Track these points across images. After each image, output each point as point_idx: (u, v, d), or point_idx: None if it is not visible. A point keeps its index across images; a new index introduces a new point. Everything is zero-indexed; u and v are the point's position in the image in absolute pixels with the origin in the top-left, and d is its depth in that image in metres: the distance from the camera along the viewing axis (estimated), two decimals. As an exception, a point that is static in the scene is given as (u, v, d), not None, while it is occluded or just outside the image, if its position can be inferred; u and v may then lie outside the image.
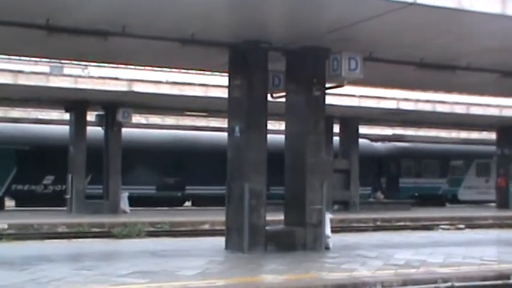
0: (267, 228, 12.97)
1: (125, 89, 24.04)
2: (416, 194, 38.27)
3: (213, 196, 30.17)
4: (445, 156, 40.33)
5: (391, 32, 11.82)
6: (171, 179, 32.49)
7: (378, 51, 13.11)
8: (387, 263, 11.42)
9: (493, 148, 36.97)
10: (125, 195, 27.91)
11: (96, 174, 28.15)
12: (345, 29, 11.36)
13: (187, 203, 34.50)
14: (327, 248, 13.22)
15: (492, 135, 37.05)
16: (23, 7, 10.72)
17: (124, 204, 27.65)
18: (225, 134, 34.37)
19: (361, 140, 35.84)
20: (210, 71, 18.44)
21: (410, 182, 38.97)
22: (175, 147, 32.39)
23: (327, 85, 13.43)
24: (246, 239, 12.55)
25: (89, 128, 27.73)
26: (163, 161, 31.96)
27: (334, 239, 13.77)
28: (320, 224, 13.13)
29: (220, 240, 13.61)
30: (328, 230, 13.38)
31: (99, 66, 24.76)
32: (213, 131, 34.20)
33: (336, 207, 29.50)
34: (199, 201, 32.71)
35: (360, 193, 32.46)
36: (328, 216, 13.54)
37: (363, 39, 12.18)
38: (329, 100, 14.19)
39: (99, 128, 28.21)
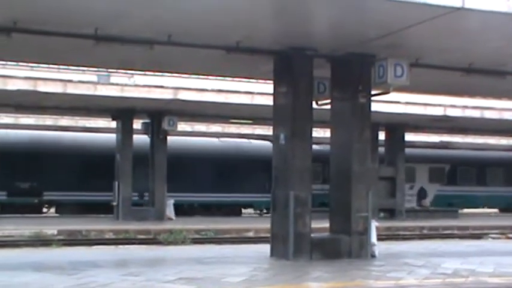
0: (312, 235, 12.91)
1: (170, 97, 24.28)
2: None
3: (79, 203, 29.30)
4: None
5: (438, 38, 11.66)
6: (25, 184, 29.55)
7: (424, 57, 12.95)
8: (435, 272, 11.24)
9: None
10: (170, 203, 28.13)
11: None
12: (391, 35, 11.26)
13: (52, 210, 31.69)
14: (373, 256, 13.09)
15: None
16: (72, 17, 10.91)
17: (170, 212, 27.86)
18: (95, 134, 32.48)
19: (262, 142, 34.57)
20: (255, 78, 18.50)
21: None
22: (30, 148, 29.66)
23: (373, 92, 13.32)
24: (291, 246, 12.52)
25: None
26: (16, 164, 29.11)
27: (380, 247, 13.63)
28: (366, 231, 13.02)
29: (265, 248, 13.60)
30: (374, 238, 13.25)
31: (145, 74, 25.13)
32: (259, 138, 34.26)
33: (381, 214, 29.22)
34: (63, 209, 30.38)
35: (255, 200, 31.95)
36: (374, 224, 13.42)
37: (409, 46, 12.05)
38: (375, 107, 14.06)
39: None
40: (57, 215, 30.37)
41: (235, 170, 32.16)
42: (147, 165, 28.29)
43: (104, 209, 29.38)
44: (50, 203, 30.98)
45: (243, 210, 33.88)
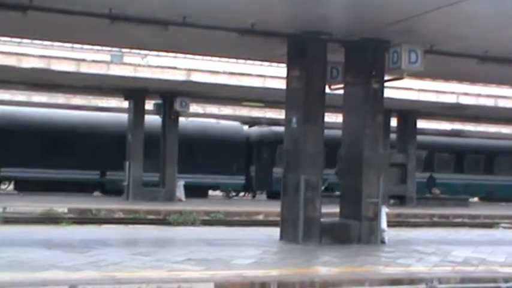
0: (322, 220, 12.92)
1: (183, 78, 24.24)
2: None
3: (39, 180, 28.63)
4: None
5: (454, 25, 11.57)
6: None
7: (439, 44, 12.86)
8: (444, 259, 11.23)
9: None
10: (180, 184, 28.20)
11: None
12: (406, 21, 11.19)
13: (10, 187, 30.64)
14: (383, 242, 13.10)
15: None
16: (87, -4, 10.93)
17: (180, 193, 27.94)
18: (55, 111, 31.19)
19: (229, 123, 33.94)
20: (268, 61, 18.44)
21: None
22: None
23: (386, 78, 13.27)
24: (301, 230, 12.54)
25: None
26: None
27: (389, 234, 13.61)
28: (376, 217, 13.02)
29: (275, 231, 13.64)
30: (384, 224, 13.25)
31: (158, 55, 25.12)
32: (270, 122, 34.14)
33: (391, 201, 29.16)
34: (23, 185, 29.16)
35: (222, 182, 31.35)
36: (385, 210, 13.40)
37: (424, 32, 11.97)
38: (387, 93, 14.01)
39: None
40: (15, 192, 29.61)
41: (201, 150, 30.98)
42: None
43: (69, 187, 29.04)
44: (8, 179, 30.17)
45: (210, 192, 32.95)
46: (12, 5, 11.22)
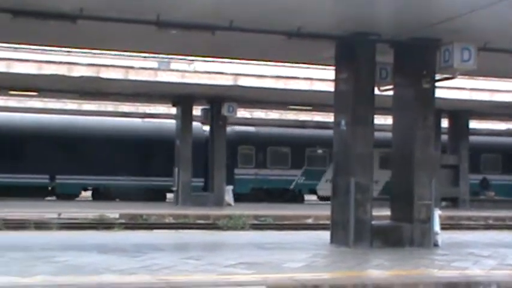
0: (373, 223, 12.78)
1: (230, 83, 24.36)
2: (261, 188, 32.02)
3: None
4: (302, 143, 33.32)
5: (506, 21, 11.30)
6: None
7: (493, 41, 12.57)
8: (502, 262, 10.95)
9: None
10: (229, 188, 28.30)
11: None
12: (457, 18, 10.98)
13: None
14: (436, 245, 12.88)
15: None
16: (135, 4, 11.05)
17: (229, 197, 28.04)
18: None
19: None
20: (315, 64, 18.38)
21: (250, 173, 32.16)
22: None
23: (437, 77, 13.06)
24: (352, 233, 12.42)
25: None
26: None
27: (443, 237, 13.37)
28: (429, 220, 12.80)
29: (325, 234, 13.55)
30: (437, 227, 13.02)
31: (205, 60, 25.25)
32: (317, 126, 33.92)
33: (443, 203, 28.70)
34: None
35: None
36: (437, 213, 13.18)
37: (476, 29, 11.72)
38: (438, 93, 13.78)
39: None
40: None
41: (157, 152, 30.27)
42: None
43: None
44: None
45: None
46: (62, 15, 11.42)
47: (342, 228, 12.70)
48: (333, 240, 12.99)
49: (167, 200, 30.85)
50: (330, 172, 31.42)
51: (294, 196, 32.58)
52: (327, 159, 32.71)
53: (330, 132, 34.32)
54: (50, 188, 29.96)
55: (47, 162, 28.69)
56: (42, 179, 29.33)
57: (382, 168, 31.63)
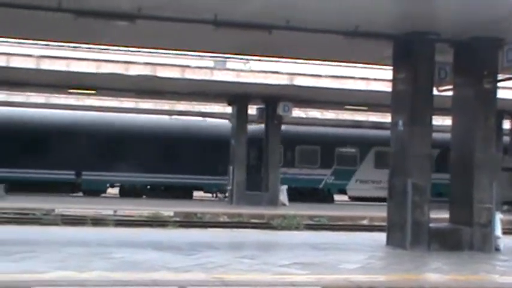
0: (430, 225, 12.55)
1: (285, 82, 24.31)
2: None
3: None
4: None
5: None
6: None
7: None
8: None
9: None
10: (284, 188, 28.25)
11: None
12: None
13: None
14: (497, 249, 12.52)
15: None
16: (193, 3, 11.11)
17: (283, 197, 27.99)
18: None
19: (216, 121, 32.16)
20: (372, 64, 18.16)
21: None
22: None
23: (500, 77, 12.74)
24: (409, 235, 12.22)
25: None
26: None
27: (505, 241, 12.99)
28: (489, 223, 12.49)
29: (381, 236, 13.37)
30: (498, 231, 12.67)
31: (260, 60, 25.26)
32: (372, 126, 33.50)
33: (505, 207, 27.91)
34: None
35: (206, 182, 29.98)
36: (499, 216, 12.83)
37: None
38: (500, 94, 13.44)
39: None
40: None
41: (184, 150, 30.31)
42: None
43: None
44: None
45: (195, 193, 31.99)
46: (122, 14, 11.58)
47: (399, 230, 12.51)
48: (389, 242, 12.81)
49: (214, 199, 31.02)
50: (361, 172, 32.53)
51: (324, 196, 32.11)
52: (357, 159, 32.73)
53: (360, 131, 34.02)
54: (78, 184, 30.32)
55: (73, 158, 29.16)
56: (67, 175, 29.71)
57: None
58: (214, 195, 32.50)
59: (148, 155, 29.72)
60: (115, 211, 21.79)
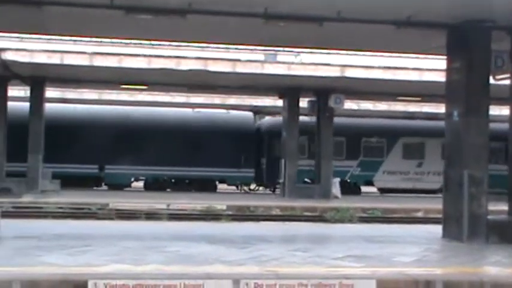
0: (488, 217, 12.27)
1: (337, 74, 24.09)
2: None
3: None
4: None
5: None
6: None
7: None
8: None
9: None
10: (336, 180, 28.07)
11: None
12: None
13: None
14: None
15: None
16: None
17: (335, 190, 27.82)
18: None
19: (238, 113, 31.65)
20: (424, 54, 17.83)
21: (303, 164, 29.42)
22: None
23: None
24: (466, 228, 12.00)
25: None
26: None
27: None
28: (551, 216, 12.17)
29: (436, 228, 13.18)
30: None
31: (311, 52, 25.13)
32: (426, 117, 32.95)
33: None
34: None
35: (229, 175, 29.53)
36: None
37: None
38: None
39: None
40: None
41: (208, 142, 29.86)
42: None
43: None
44: None
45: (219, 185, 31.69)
46: (173, 9, 11.66)
47: (455, 223, 12.30)
48: (445, 234, 12.61)
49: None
50: (388, 163, 31.62)
51: (350, 188, 31.29)
52: (384, 150, 31.97)
53: (387, 121, 32.91)
54: (101, 177, 30.48)
55: (97, 152, 29.26)
56: (91, 169, 29.77)
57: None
58: (239, 188, 32.48)
59: (172, 148, 29.65)
60: (168, 205, 22.01)
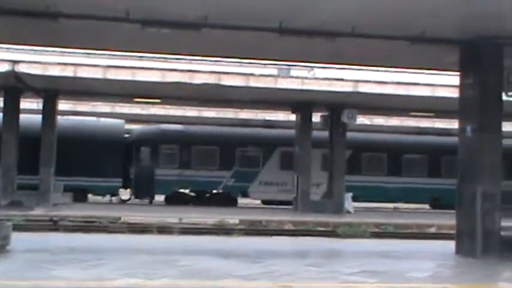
0: (502, 233, 12.22)
1: (350, 89, 24.13)
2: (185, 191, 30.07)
3: None
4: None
5: None
6: None
7: None
8: None
9: None
10: (349, 196, 28.01)
11: None
12: None
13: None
14: None
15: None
16: (258, 11, 11.16)
17: (348, 205, 27.75)
18: None
19: (109, 120, 31.02)
20: (437, 69, 17.86)
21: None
22: None
23: None
24: (479, 244, 11.94)
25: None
26: None
27: None
28: None
29: (449, 244, 13.10)
30: None
31: (324, 67, 25.17)
32: (438, 133, 32.96)
33: None
34: None
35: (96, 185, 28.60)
36: None
37: None
38: None
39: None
40: None
41: (74, 150, 28.67)
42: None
43: None
44: None
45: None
46: (188, 23, 11.73)
47: (468, 239, 12.24)
48: (459, 250, 12.55)
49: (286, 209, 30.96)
50: (264, 173, 30.20)
51: (224, 199, 30.77)
52: (260, 160, 31.24)
53: (263, 130, 31.76)
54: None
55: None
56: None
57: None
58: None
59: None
60: (180, 219, 22.02)
